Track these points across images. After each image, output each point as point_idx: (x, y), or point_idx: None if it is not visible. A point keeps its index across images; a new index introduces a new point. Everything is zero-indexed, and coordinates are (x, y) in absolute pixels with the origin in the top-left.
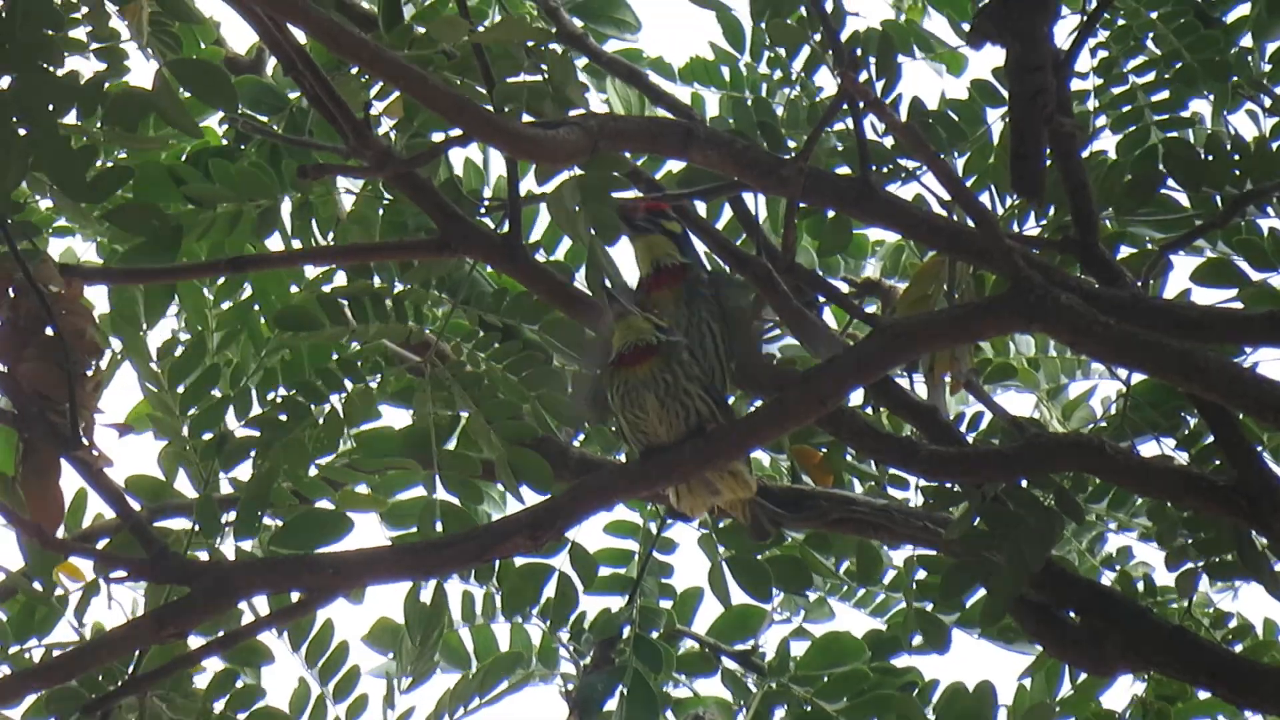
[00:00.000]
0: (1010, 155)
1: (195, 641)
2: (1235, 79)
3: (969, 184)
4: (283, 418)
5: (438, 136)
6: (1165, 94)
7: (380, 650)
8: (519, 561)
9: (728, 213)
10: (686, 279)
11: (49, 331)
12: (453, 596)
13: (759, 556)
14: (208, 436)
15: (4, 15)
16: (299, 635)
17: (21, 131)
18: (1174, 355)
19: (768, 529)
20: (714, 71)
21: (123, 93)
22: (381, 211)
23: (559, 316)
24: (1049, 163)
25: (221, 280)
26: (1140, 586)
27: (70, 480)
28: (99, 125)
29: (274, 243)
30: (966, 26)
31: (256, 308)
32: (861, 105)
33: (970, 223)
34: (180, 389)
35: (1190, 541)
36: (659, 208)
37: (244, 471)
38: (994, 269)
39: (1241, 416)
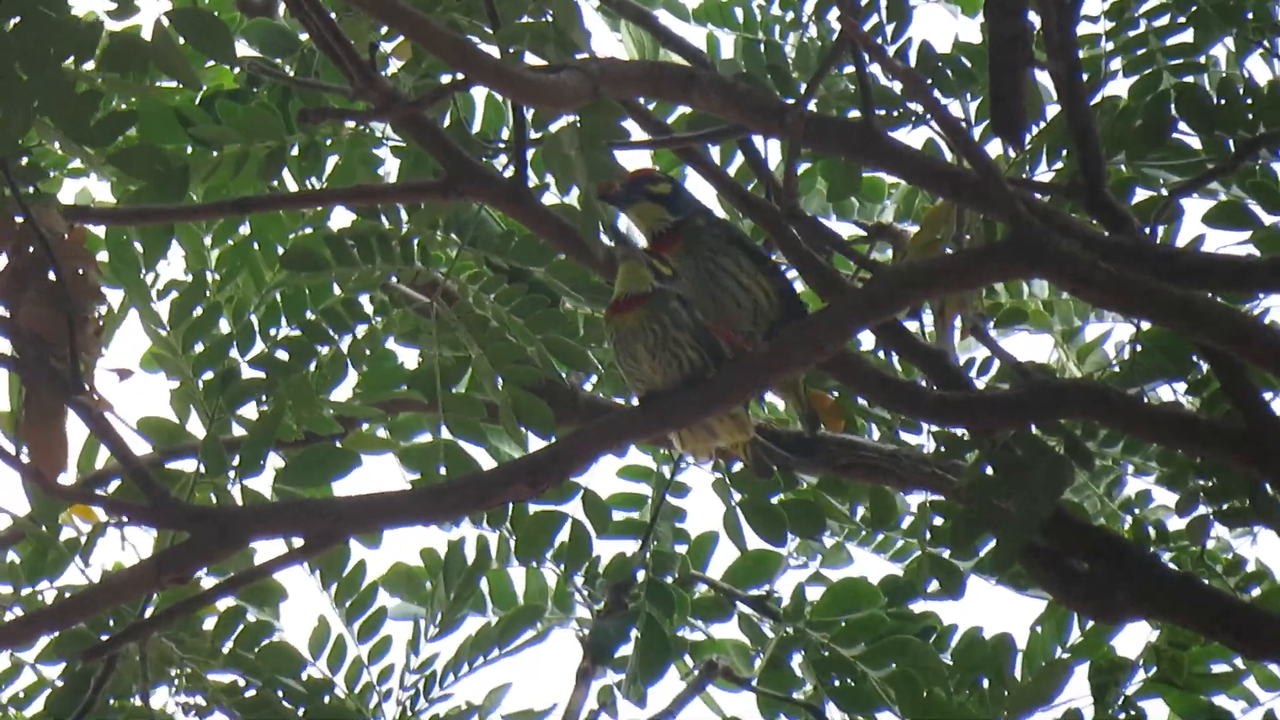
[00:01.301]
0: (990, 99)
1: (209, 582)
2: (1251, 19)
3: (980, 128)
4: (286, 357)
5: (447, 78)
6: (1178, 38)
7: (395, 594)
8: (532, 508)
9: (740, 157)
10: (684, 235)
11: (50, 275)
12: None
13: (773, 500)
14: (211, 375)
15: None
16: (331, 574)
17: (24, 76)
18: (1175, 302)
19: (769, 466)
20: (727, 13)
21: (122, 40)
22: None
23: (566, 259)
24: (1060, 108)
25: (220, 221)
26: (1152, 532)
27: (81, 424)
28: (100, 72)
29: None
30: None
31: (255, 246)
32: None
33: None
34: (183, 328)
35: (1202, 487)
36: (644, 175)
37: (252, 411)
38: (996, 215)
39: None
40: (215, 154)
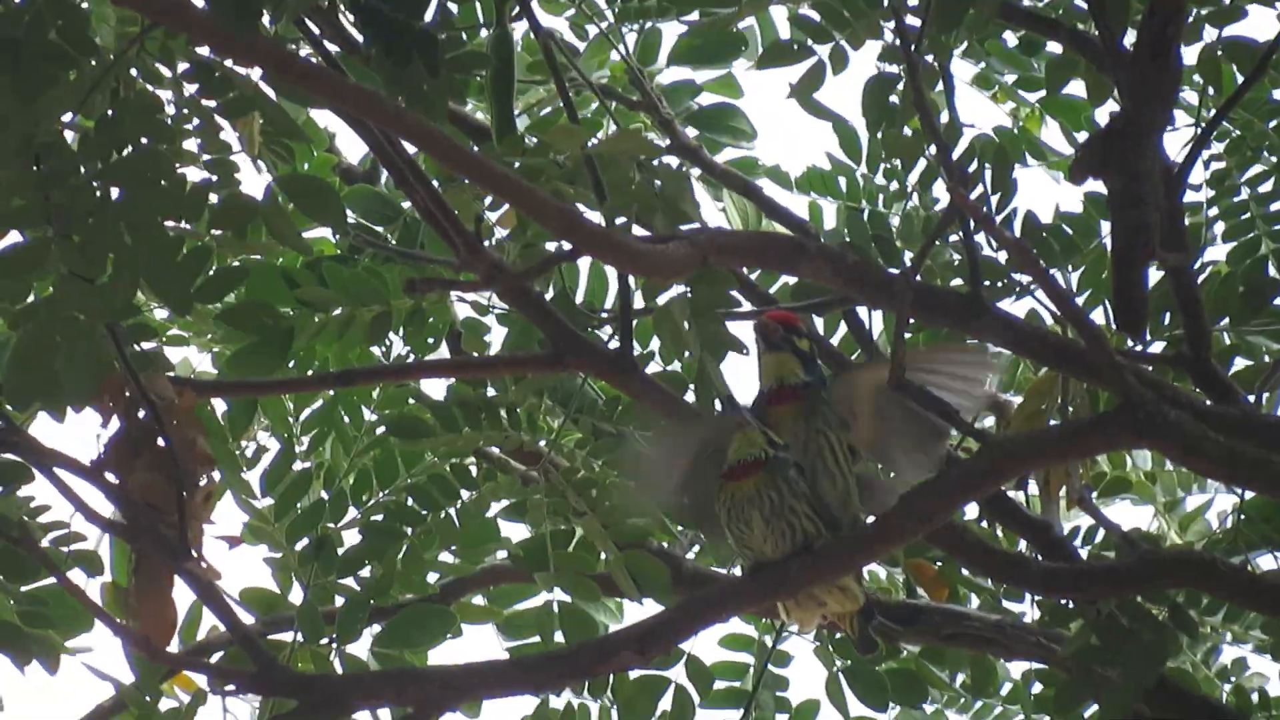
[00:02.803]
0: (1112, 292)
1: None
2: None
3: (1084, 297)
4: (393, 522)
5: (553, 245)
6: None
7: None
8: (635, 674)
9: (844, 328)
10: (808, 397)
11: (160, 442)
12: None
13: (876, 668)
14: (304, 542)
15: (114, 126)
16: None
17: (129, 240)
18: None
19: (874, 641)
20: (830, 182)
21: (230, 197)
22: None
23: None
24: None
25: None
26: (1256, 698)
27: (187, 592)
28: (209, 233)
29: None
30: (1079, 137)
31: (341, 411)
32: (972, 222)
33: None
34: (275, 496)
35: None
36: (792, 322)
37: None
38: (1103, 385)
39: None
40: (319, 318)
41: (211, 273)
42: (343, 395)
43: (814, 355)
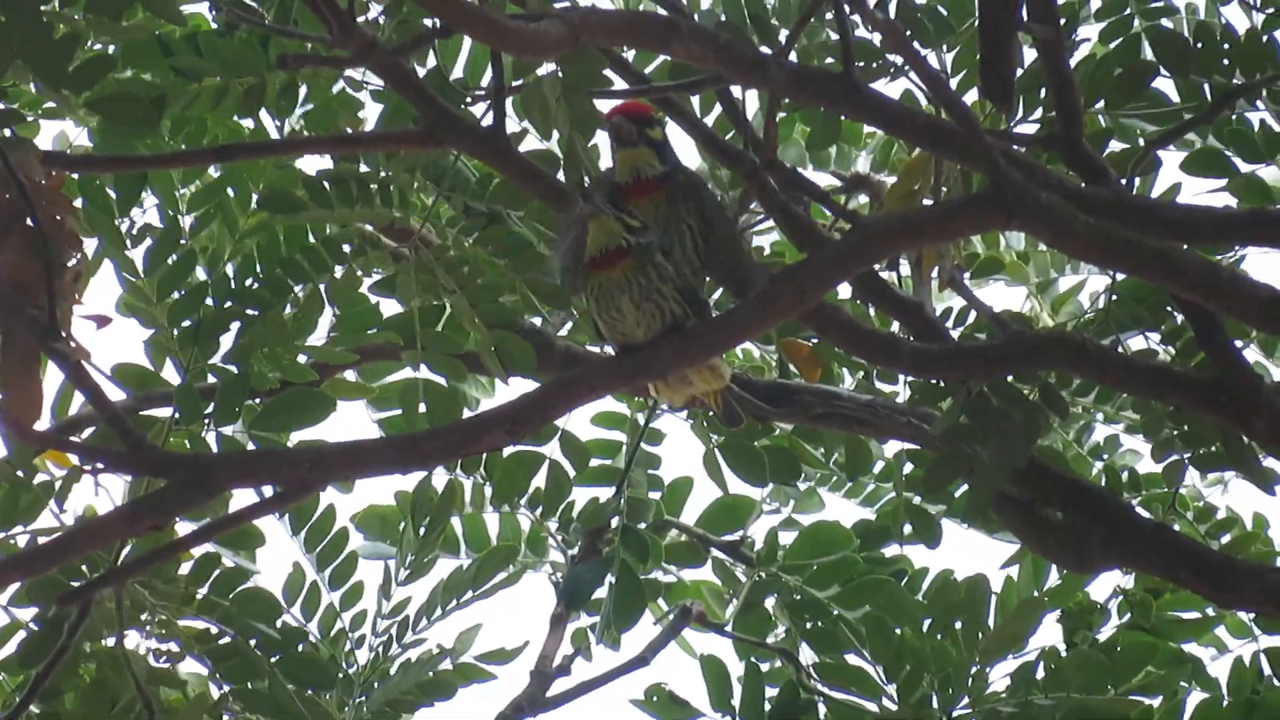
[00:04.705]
0: (980, 62)
1: (184, 528)
2: None
3: (958, 79)
4: (265, 294)
5: (429, 23)
6: None
7: (370, 536)
8: (509, 450)
9: (719, 108)
10: (666, 188)
11: (29, 223)
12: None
13: (753, 444)
14: (187, 324)
15: None
16: (300, 521)
17: (2, 19)
18: (1154, 255)
19: (740, 414)
20: None
21: None
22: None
23: (543, 205)
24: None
25: None
26: (1125, 477)
27: (56, 371)
28: (82, 15)
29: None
30: None
31: (230, 191)
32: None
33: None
34: (157, 276)
35: (1176, 434)
36: (644, 112)
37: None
38: (974, 166)
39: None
40: (194, 86)
41: (84, 57)
42: (229, 172)
43: (666, 140)
